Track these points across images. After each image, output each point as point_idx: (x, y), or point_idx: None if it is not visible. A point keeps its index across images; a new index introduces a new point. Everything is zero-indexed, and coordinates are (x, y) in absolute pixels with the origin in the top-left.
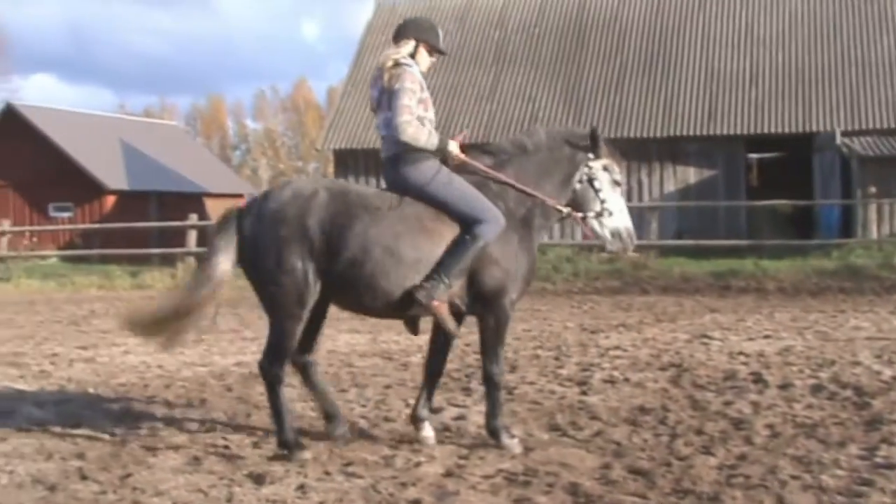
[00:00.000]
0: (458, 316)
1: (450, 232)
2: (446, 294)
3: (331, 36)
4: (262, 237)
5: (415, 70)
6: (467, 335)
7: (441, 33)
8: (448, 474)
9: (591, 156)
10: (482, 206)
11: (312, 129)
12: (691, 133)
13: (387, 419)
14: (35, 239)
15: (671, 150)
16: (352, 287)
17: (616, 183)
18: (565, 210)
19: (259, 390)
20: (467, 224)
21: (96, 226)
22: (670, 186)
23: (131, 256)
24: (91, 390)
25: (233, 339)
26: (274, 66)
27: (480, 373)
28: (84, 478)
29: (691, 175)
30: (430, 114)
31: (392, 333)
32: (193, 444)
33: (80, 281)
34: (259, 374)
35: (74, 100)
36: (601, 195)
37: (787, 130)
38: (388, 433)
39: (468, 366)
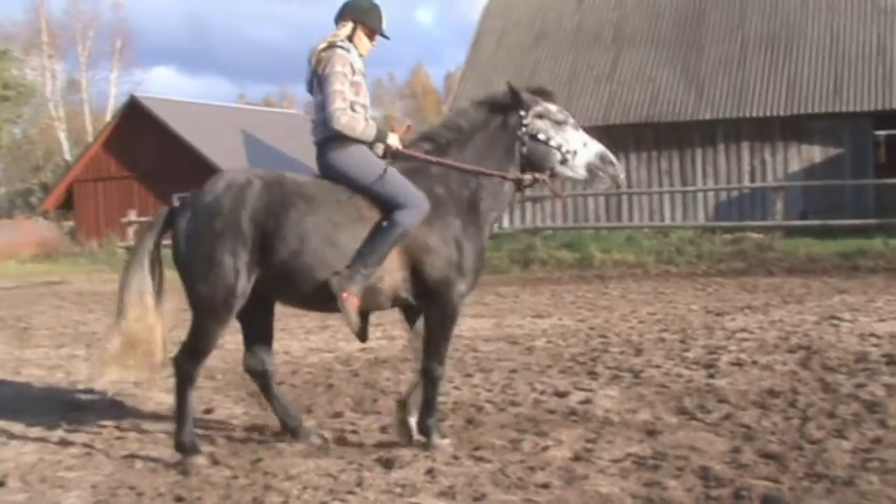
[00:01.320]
0: (409, 309)
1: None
2: (361, 287)
3: (446, 22)
4: (196, 231)
5: (347, 53)
6: (591, 319)
7: (384, 15)
8: (576, 458)
9: (521, 113)
10: (404, 190)
11: (431, 114)
12: (816, 110)
13: (513, 403)
14: None
15: (795, 128)
16: (289, 278)
17: (560, 122)
18: (525, 177)
19: (385, 375)
20: (388, 209)
21: None
22: (795, 166)
23: None
24: (219, 377)
25: None
26: (391, 53)
27: (420, 366)
28: (216, 462)
29: (816, 154)
30: (363, 98)
31: (516, 317)
32: (322, 430)
33: None
34: (173, 369)
35: (195, 91)
36: (552, 143)
37: None
38: (515, 417)
39: (593, 350)
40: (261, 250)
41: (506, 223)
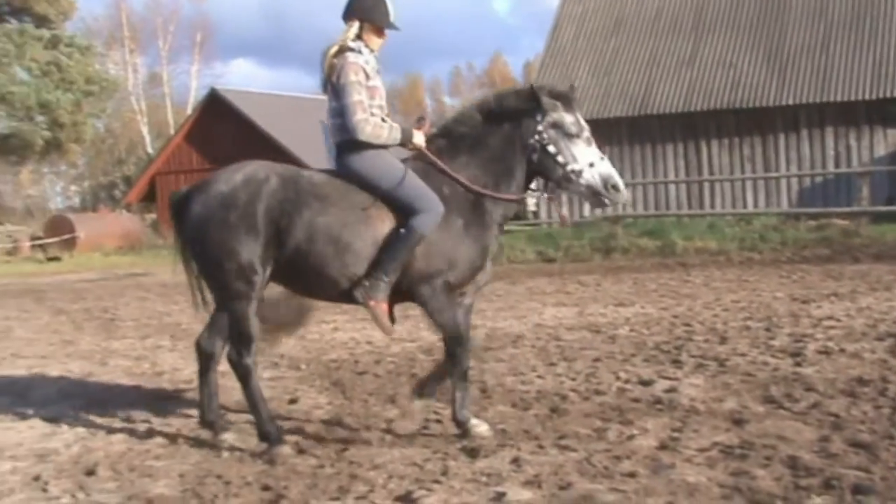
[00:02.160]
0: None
1: (394, 221)
2: (385, 293)
3: (523, 9)
4: (209, 219)
5: (359, 57)
6: (674, 307)
7: (390, 7)
8: (662, 447)
9: (538, 118)
10: (419, 194)
11: None
12: None
13: (597, 392)
14: None
15: (881, 111)
16: (300, 275)
17: (572, 135)
18: (529, 199)
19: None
20: (404, 214)
21: None
22: (881, 150)
23: None
24: (303, 366)
25: None
26: (469, 42)
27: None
28: (301, 452)
29: None
30: (378, 100)
31: (599, 306)
32: (406, 419)
33: None
34: (231, 368)
35: (273, 83)
36: (559, 158)
37: None
38: (599, 406)
39: (677, 338)
40: (274, 244)
41: (587, 212)
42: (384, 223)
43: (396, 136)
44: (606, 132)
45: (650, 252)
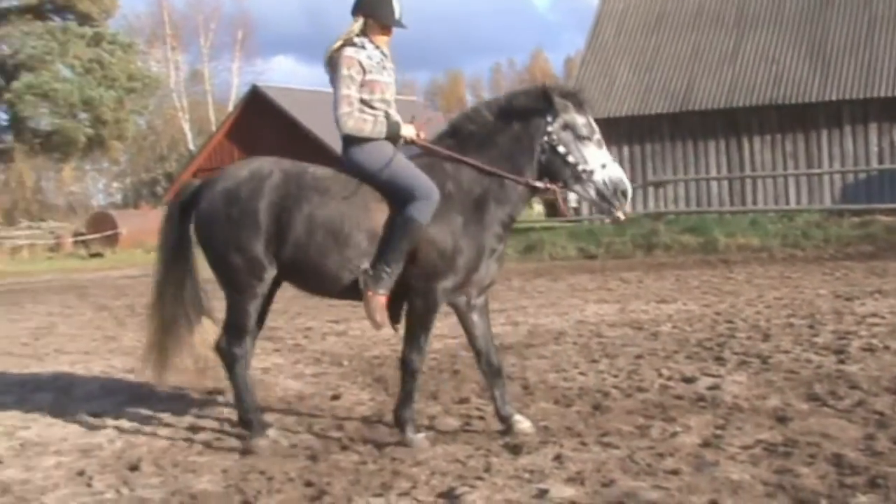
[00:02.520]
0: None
1: (393, 212)
2: (387, 286)
3: (563, 7)
4: (214, 214)
5: (359, 52)
6: (716, 304)
7: (397, 5)
8: (706, 445)
9: (548, 118)
10: (414, 182)
11: None
12: None
13: (640, 389)
14: None
15: None
16: (302, 270)
17: (583, 137)
18: (539, 184)
19: (511, 361)
20: (400, 204)
21: None
22: None
23: None
24: (345, 363)
25: None
26: (509, 39)
27: (399, 357)
28: (344, 448)
29: None
30: (379, 94)
31: (641, 303)
32: (448, 415)
33: None
34: (218, 355)
35: (314, 79)
36: (570, 158)
37: None
38: (642, 403)
39: (719, 335)
40: (276, 239)
41: (628, 208)
42: (384, 214)
43: (382, 129)
44: (648, 129)
45: (692, 249)
